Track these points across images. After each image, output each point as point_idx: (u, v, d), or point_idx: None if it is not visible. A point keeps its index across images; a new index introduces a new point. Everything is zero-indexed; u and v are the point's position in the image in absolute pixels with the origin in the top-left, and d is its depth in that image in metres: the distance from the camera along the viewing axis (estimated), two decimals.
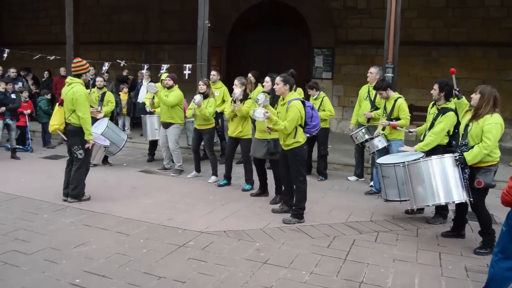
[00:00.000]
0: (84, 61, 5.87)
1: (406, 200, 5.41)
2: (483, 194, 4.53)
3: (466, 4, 11.08)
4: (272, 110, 5.37)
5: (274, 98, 5.89)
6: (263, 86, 6.38)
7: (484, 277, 3.94)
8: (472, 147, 4.40)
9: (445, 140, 5.34)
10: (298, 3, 12.64)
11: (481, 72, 10.88)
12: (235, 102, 6.42)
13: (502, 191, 3.10)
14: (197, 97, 6.85)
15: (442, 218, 5.44)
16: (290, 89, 5.31)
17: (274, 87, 5.43)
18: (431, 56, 11.51)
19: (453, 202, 4.65)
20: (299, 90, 7.71)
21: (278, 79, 5.29)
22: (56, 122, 5.73)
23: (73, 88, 5.63)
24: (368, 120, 7.03)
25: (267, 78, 6.08)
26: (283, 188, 5.81)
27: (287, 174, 5.45)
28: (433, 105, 5.50)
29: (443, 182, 4.60)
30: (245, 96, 6.55)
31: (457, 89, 5.06)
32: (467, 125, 4.53)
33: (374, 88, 6.60)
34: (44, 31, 15.74)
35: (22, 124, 9.16)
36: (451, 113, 5.17)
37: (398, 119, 6.20)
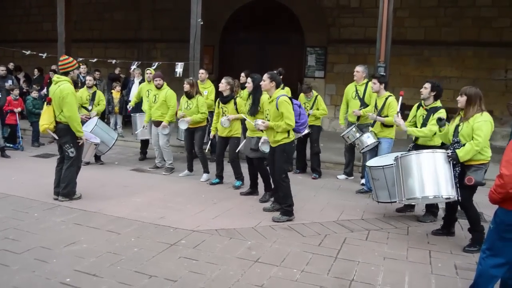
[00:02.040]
0: (71, 59, 5.82)
1: (396, 201, 5.43)
2: (472, 191, 4.59)
3: (457, 3, 11.15)
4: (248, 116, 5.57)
5: (255, 98, 5.88)
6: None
7: (474, 274, 3.98)
8: (464, 144, 4.46)
9: (437, 140, 5.37)
10: (290, 2, 12.65)
11: (472, 72, 10.97)
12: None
13: (490, 189, 3.13)
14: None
15: (433, 216, 5.48)
16: (277, 87, 5.31)
17: (260, 83, 5.45)
18: (423, 55, 11.58)
19: (441, 196, 4.64)
20: (287, 89, 7.72)
21: (265, 75, 5.32)
22: (45, 121, 5.67)
23: (60, 87, 5.58)
24: (358, 118, 7.05)
25: (249, 79, 6.08)
26: (272, 185, 5.83)
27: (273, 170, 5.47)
28: (418, 107, 5.52)
29: (433, 176, 4.62)
30: (232, 96, 6.61)
31: (441, 118, 4.99)
32: (457, 126, 4.60)
33: (373, 76, 6.58)
34: (35, 28, 15.63)
35: (12, 122, 9.09)
36: (443, 109, 5.23)
37: (387, 116, 6.23)
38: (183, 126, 7.05)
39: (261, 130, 5.44)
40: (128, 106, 9.00)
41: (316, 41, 12.65)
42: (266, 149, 5.61)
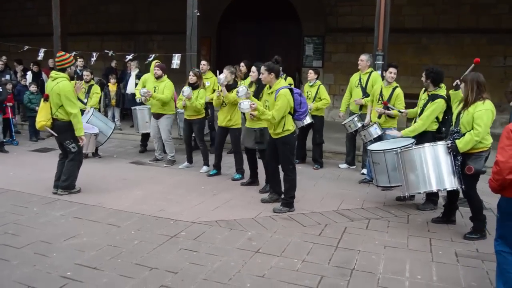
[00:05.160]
0: (68, 55, 5.78)
1: (396, 186, 5.44)
2: (474, 180, 4.56)
3: None
4: (256, 101, 5.35)
5: (259, 88, 5.86)
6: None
7: (474, 261, 4.02)
8: (464, 134, 4.43)
9: (434, 127, 5.36)
10: None
11: (470, 59, 10.60)
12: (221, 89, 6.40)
13: (489, 178, 3.11)
14: (186, 90, 6.77)
15: (433, 204, 5.48)
16: (277, 77, 5.25)
17: (260, 76, 5.40)
18: (421, 43, 11.52)
19: (445, 189, 4.67)
20: (289, 79, 7.72)
21: (262, 68, 5.24)
22: (43, 118, 5.63)
23: (58, 84, 5.54)
24: (360, 107, 7.03)
25: (253, 68, 6.05)
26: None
27: (271, 162, 5.46)
28: (424, 91, 5.53)
29: (435, 169, 4.62)
30: (234, 85, 6.54)
31: (458, 81, 4.96)
32: (459, 113, 4.56)
33: (390, 65, 6.52)
34: (31, 22, 15.50)
35: (6, 116, 9.02)
36: (440, 100, 5.19)
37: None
38: (186, 92, 6.80)
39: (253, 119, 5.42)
40: (137, 99, 8.77)
41: (313, 30, 12.58)
42: (244, 106, 5.23)
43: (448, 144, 4.55)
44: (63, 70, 5.66)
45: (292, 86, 6.04)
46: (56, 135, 5.75)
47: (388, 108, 6.13)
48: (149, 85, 7.58)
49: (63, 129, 5.66)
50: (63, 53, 5.82)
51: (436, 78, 5.27)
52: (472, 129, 4.37)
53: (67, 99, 5.51)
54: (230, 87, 6.54)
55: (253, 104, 5.15)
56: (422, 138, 5.23)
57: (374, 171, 5.65)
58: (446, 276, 3.73)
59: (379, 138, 6.26)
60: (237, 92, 5.46)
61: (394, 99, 6.17)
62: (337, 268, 3.84)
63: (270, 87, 5.28)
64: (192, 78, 7.00)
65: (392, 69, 6.31)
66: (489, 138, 4.49)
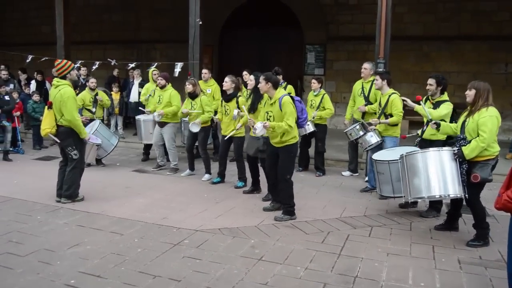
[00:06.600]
0: (65, 61, 5.81)
1: (399, 197, 5.42)
2: (479, 188, 4.53)
3: None
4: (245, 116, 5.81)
5: (257, 97, 5.92)
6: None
7: (477, 268, 4.00)
8: (470, 141, 4.42)
9: (444, 135, 5.34)
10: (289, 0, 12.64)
11: (472, 66, 10.94)
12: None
13: (503, 197, 2.87)
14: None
15: (436, 212, 5.47)
16: (275, 87, 5.26)
17: (258, 85, 5.46)
18: (422, 50, 11.55)
19: (448, 195, 4.62)
20: (289, 87, 7.77)
21: (260, 77, 5.31)
22: (47, 126, 5.68)
23: (60, 91, 5.58)
24: (363, 115, 7.04)
25: (251, 77, 6.10)
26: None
27: (272, 172, 5.45)
28: (426, 100, 5.52)
29: (439, 175, 4.58)
30: (235, 94, 6.57)
31: (436, 123, 4.95)
32: (464, 121, 4.56)
33: (376, 72, 6.56)
34: (34, 31, 15.61)
35: (13, 125, 9.07)
36: (448, 103, 5.23)
37: (391, 115, 6.21)
38: (195, 129, 6.94)
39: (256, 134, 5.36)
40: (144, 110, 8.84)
41: (315, 38, 12.64)
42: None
43: (454, 150, 4.54)
44: (63, 77, 5.72)
45: (292, 94, 6.10)
46: (59, 141, 5.79)
47: (386, 117, 6.16)
48: (155, 96, 7.64)
49: (66, 135, 5.70)
50: (59, 60, 5.86)
51: (446, 85, 5.36)
52: (478, 136, 4.37)
53: (65, 105, 5.54)
54: (230, 96, 6.57)
55: (266, 123, 5.09)
56: (432, 146, 5.18)
57: (378, 180, 5.64)
58: (449, 283, 3.72)
59: (380, 147, 6.26)
60: (233, 117, 6.24)
61: (390, 106, 6.14)
62: (340, 275, 3.84)
63: (271, 98, 5.30)
64: (188, 87, 7.07)
65: (376, 76, 6.37)
66: (496, 146, 4.46)
